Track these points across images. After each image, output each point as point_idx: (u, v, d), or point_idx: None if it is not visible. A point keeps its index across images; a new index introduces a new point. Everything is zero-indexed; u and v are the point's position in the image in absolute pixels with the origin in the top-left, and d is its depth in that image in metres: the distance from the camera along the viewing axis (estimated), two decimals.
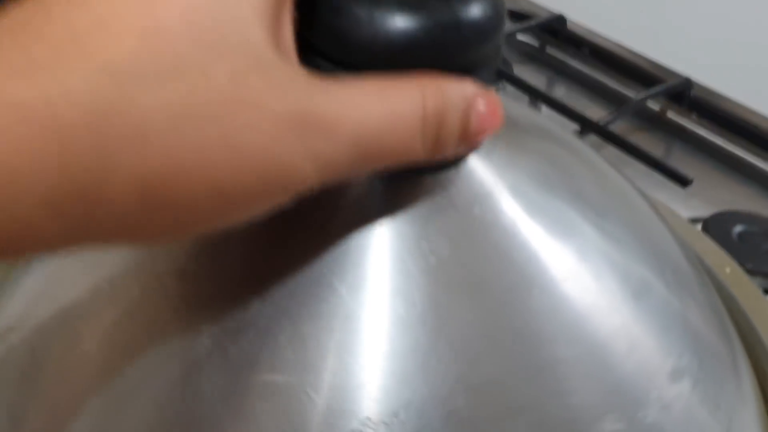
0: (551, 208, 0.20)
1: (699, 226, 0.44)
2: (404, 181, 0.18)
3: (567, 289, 0.19)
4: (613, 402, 0.19)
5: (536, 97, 0.53)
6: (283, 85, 0.15)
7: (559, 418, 0.18)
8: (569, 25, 0.64)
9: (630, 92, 0.58)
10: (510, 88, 0.56)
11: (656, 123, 0.57)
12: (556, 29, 0.63)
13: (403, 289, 0.17)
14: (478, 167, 0.19)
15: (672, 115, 0.57)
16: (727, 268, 0.31)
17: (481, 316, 0.18)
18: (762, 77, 0.62)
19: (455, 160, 0.19)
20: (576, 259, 0.19)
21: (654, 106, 0.58)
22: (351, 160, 0.15)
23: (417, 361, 0.17)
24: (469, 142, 0.17)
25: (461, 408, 0.17)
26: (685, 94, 0.56)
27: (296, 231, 0.18)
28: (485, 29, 0.17)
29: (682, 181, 0.44)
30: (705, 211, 0.47)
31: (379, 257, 0.18)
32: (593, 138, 0.51)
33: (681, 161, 0.55)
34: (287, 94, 0.15)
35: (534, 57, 0.64)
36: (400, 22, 0.16)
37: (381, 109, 0.15)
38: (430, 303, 0.17)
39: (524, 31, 0.64)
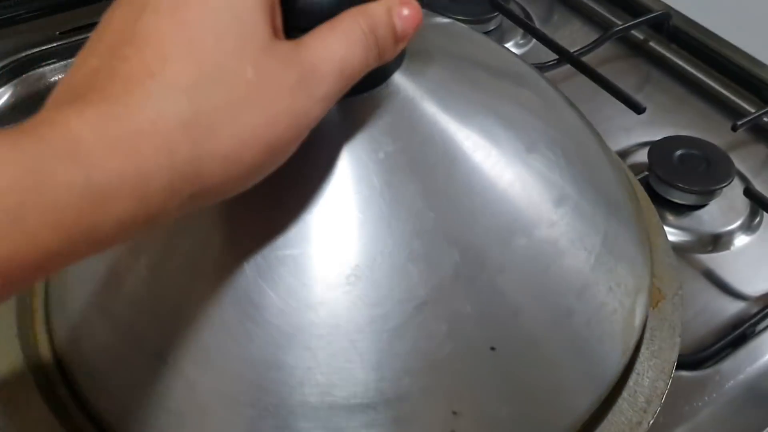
0: (459, 101, 0.28)
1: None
2: (351, 100, 0.25)
3: (477, 157, 0.27)
4: (517, 226, 0.27)
5: (524, 27, 0.59)
6: (286, 58, 0.21)
7: (484, 242, 0.26)
8: None
9: (619, 21, 0.64)
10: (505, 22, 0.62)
11: (638, 52, 0.63)
12: None
13: (364, 176, 0.25)
14: (401, 81, 0.27)
15: (653, 44, 0.63)
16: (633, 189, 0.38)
17: (421, 185, 0.26)
18: (738, 11, 0.66)
19: (383, 77, 0.26)
20: (480, 135, 0.27)
21: (639, 35, 0.63)
22: (339, 86, 0.22)
23: (383, 224, 0.25)
24: (403, 40, 0.24)
25: (417, 249, 0.25)
26: (665, 25, 0.61)
27: None
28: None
29: (637, 109, 0.50)
30: (663, 135, 0.53)
31: (344, 158, 0.25)
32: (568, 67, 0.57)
33: (657, 87, 0.61)
34: (290, 64, 0.21)
35: None
36: None
37: (339, 41, 0.22)
38: (385, 184, 0.25)
39: None
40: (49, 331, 0.32)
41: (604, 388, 0.29)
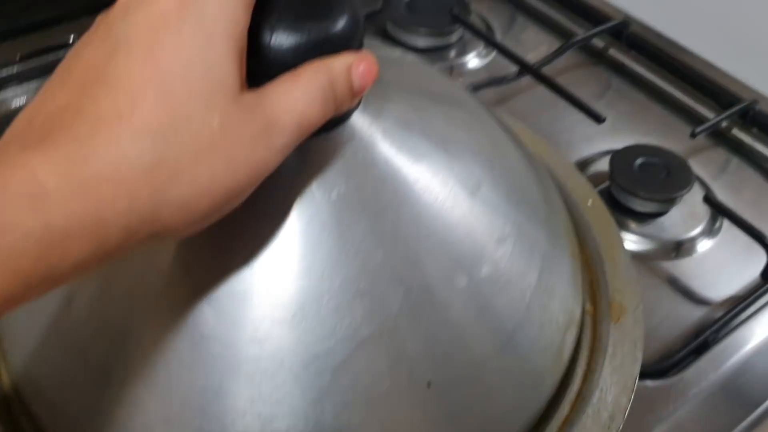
0: (412, 142, 0.29)
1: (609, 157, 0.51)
2: (309, 141, 0.26)
3: (426, 198, 0.28)
4: (460, 265, 0.28)
5: (485, 40, 0.60)
6: (250, 109, 0.22)
7: (428, 281, 0.27)
8: None
9: (580, 29, 0.65)
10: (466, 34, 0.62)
11: (599, 60, 0.63)
12: None
13: (315, 215, 0.26)
14: (358, 122, 0.28)
15: (613, 52, 0.63)
16: (590, 200, 0.39)
17: (371, 225, 0.27)
18: (696, 17, 0.67)
19: (341, 119, 0.27)
20: (430, 176, 0.28)
21: (599, 43, 0.64)
22: (297, 137, 0.23)
23: (331, 262, 0.26)
24: (359, 94, 0.25)
25: (363, 287, 0.26)
26: (624, 33, 0.62)
27: None
28: (347, 37, 0.25)
29: (597, 119, 0.51)
30: (624, 143, 0.54)
31: (298, 197, 0.26)
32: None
33: (618, 95, 0.62)
34: (253, 115, 0.22)
35: None
36: (289, 41, 0.24)
37: (300, 95, 0.23)
38: (335, 223, 0.26)
39: None
40: (4, 358, 0.32)
41: (533, 418, 0.31)
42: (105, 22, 0.23)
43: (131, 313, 0.27)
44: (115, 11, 0.23)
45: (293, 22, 0.24)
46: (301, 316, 0.25)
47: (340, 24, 0.25)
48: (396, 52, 0.34)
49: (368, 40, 0.28)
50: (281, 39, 0.24)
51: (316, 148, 0.26)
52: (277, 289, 0.25)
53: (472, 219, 0.28)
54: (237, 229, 0.25)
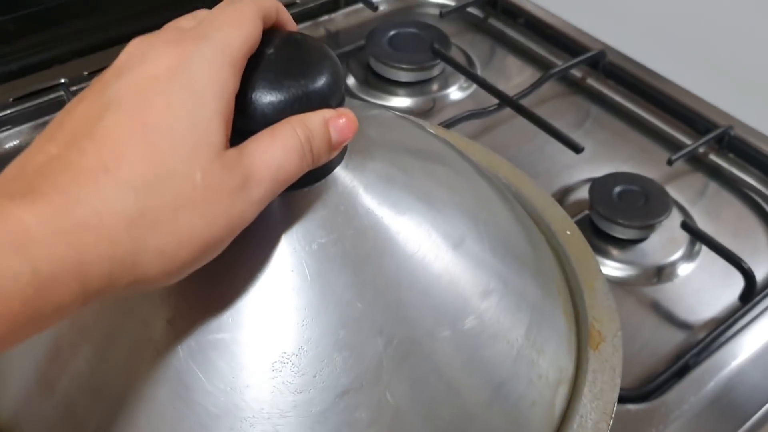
0: (394, 195, 0.29)
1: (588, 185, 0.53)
2: (293, 193, 0.27)
3: (407, 250, 0.29)
4: (442, 318, 0.28)
5: (465, 74, 0.61)
6: (231, 165, 0.23)
7: (409, 333, 0.27)
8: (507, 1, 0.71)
9: (558, 60, 0.66)
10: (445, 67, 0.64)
11: (577, 89, 0.65)
12: (496, 2, 0.71)
13: (297, 266, 0.27)
14: (342, 175, 0.29)
15: (591, 81, 0.65)
16: (568, 231, 0.40)
17: (352, 277, 0.27)
18: (670, 45, 0.69)
19: (324, 173, 0.28)
20: (412, 228, 0.29)
21: (577, 73, 0.66)
22: (274, 190, 0.24)
23: (312, 312, 0.26)
24: (337, 148, 0.26)
25: (343, 338, 0.27)
26: (601, 63, 0.64)
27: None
28: (326, 94, 0.26)
29: (575, 149, 0.53)
30: (604, 171, 0.56)
31: (280, 248, 0.27)
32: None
33: (597, 123, 0.63)
34: (234, 170, 0.23)
35: (479, 27, 0.72)
36: (269, 98, 0.25)
37: (277, 150, 0.24)
38: (316, 274, 0.27)
39: (471, 5, 0.71)
40: None
41: None
42: (99, 82, 0.24)
43: (119, 370, 0.27)
44: (109, 72, 0.24)
45: (273, 80, 0.25)
46: (281, 365, 0.25)
47: (320, 82, 0.26)
48: (375, 110, 0.35)
49: (350, 100, 0.29)
50: (261, 96, 0.25)
51: (299, 201, 0.27)
52: (257, 339, 0.26)
53: (455, 271, 0.29)
54: (219, 279, 0.26)
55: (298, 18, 0.71)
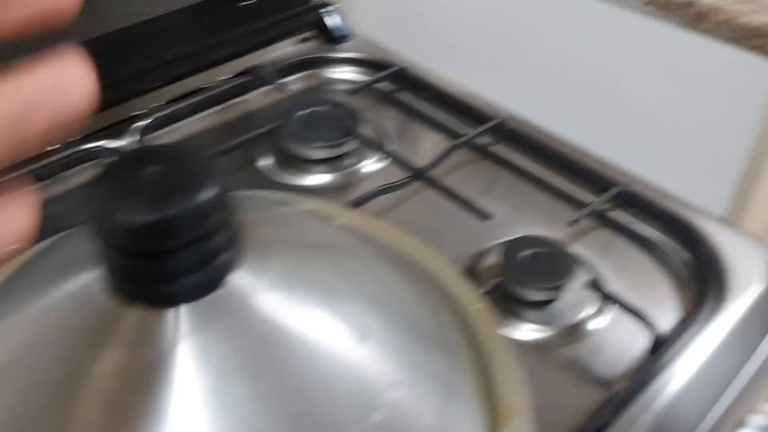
0: (296, 295, 0.30)
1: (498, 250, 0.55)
2: (187, 306, 0.27)
3: (310, 352, 0.29)
4: (345, 419, 0.28)
5: (376, 149, 0.63)
6: None
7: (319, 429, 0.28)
8: (415, 73, 0.74)
9: (464, 130, 0.69)
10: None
11: (485, 155, 0.68)
12: (404, 77, 0.74)
13: (194, 384, 0.26)
14: (239, 281, 0.29)
15: (497, 148, 0.68)
16: (476, 306, 0.42)
17: (252, 389, 0.27)
18: (569, 109, 0.73)
19: (219, 279, 0.28)
20: (316, 327, 0.29)
21: (483, 140, 0.69)
22: None
23: (210, 428, 0.26)
24: None
25: None
26: (505, 129, 0.67)
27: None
28: (193, 223, 0.26)
29: (484, 216, 0.55)
30: (514, 234, 0.58)
31: (174, 368, 0.26)
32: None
33: (505, 188, 0.66)
34: None
35: (389, 101, 0.75)
36: (141, 218, 0.25)
37: None
38: (213, 390, 0.26)
39: (379, 81, 0.74)
40: None
41: None
42: None
43: None
44: None
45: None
46: None
47: (199, 199, 0.26)
48: (275, 208, 0.35)
49: (254, 192, 0.30)
50: (132, 219, 0.25)
51: (193, 313, 0.27)
52: None
53: (362, 365, 0.29)
54: (108, 398, 0.26)
55: (211, 102, 0.72)
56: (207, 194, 0.26)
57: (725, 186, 0.93)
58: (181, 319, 0.27)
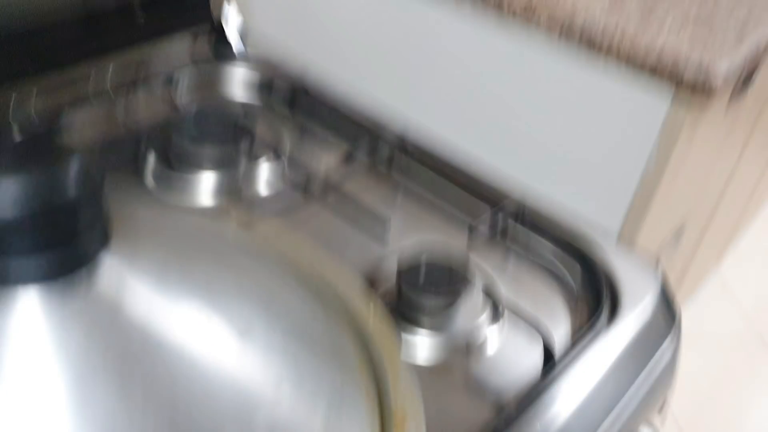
0: (170, 285, 0.27)
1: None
2: (43, 285, 0.24)
3: (185, 345, 0.26)
4: (227, 417, 0.26)
5: (273, 155, 0.61)
6: None
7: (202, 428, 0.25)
8: (309, 89, 0.73)
9: (360, 145, 0.68)
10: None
11: (380, 170, 0.67)
12: (300, 94, 0.72)
13: (50, 378, 0.23)
14: (107, 263, 0.26)
15: (396, 161, 0.67)
16: (372, 314, 0.40)
17: (118, 383, 0.25)
18: (467, 126, 0.74)
19: (84, 258, 0.25)
20: (191, 318, 0.27)
21: (380, 155, 0.68)
22: None
23: (69, 427, 0.23)
24: None
25: None
26: (404, 144, 0.67)
27: None
28: (32, 197, 0.23)
29: (380, 226, 0.53)
30: (410, 245, 0.57)
31: (30, 358, 0.24)
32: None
33: (405, 200, 0.65)
34: None
35: (287, 119, 0.73)
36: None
37: None
38: (74, 383, 0.24)
39: (275, 97, 0.72)
40: None
41: None
42: None
43: None
44: None
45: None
46: None
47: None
48: (168, 197, 0.33)
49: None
50: None
51: (53, 293, 0.24)
52: None
53: (243, 363, 0.27)
54: None
55: (98, 98, 0.68)
56: (52, 171, 0.24)
57: (622, 204, 0.96)
58: (34, 301, 0.24)
